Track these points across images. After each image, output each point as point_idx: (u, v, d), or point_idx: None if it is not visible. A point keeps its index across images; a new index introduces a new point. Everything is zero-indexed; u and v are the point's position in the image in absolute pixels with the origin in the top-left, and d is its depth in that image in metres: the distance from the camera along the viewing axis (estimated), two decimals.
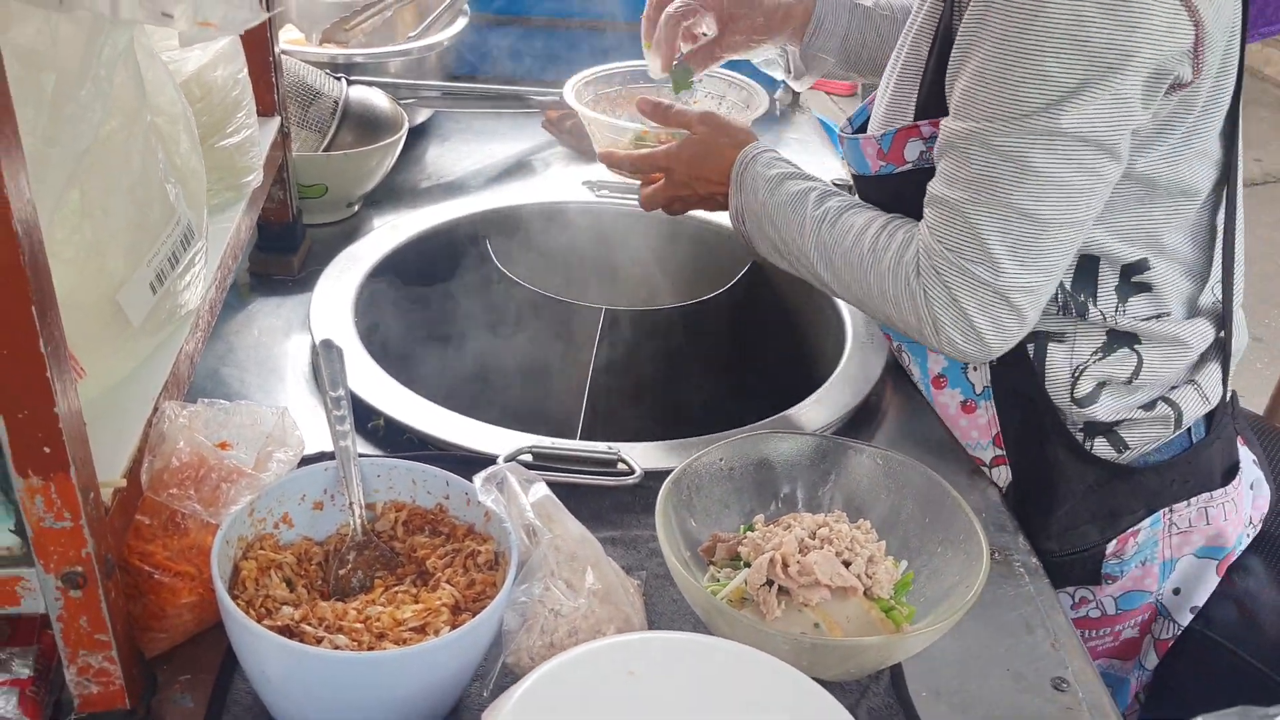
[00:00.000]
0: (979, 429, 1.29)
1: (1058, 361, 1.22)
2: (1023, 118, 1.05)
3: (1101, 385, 1.23)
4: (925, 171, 1.18)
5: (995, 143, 1.07)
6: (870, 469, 1.13)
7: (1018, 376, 1.24)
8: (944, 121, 1.12)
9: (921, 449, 1.32)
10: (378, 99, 1.77)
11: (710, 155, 1.31)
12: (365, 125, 1.74)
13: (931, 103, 1.17)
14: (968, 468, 1.30)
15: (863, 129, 1.34)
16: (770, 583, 1.02)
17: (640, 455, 1.21)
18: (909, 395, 1.40)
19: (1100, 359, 1.22)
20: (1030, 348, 1.22)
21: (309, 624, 0.89)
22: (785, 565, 1.02)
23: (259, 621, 0.88)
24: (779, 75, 1.63)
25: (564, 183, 1.85)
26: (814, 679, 0.87)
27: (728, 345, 1.69)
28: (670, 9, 1.46)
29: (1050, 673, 1.06)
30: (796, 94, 2.29)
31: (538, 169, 1.95)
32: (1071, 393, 1.23)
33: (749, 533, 1.08)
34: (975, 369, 1.28)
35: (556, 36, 2.21)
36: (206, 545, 0.93)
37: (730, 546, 1.08)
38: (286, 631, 0.88)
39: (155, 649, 0.96)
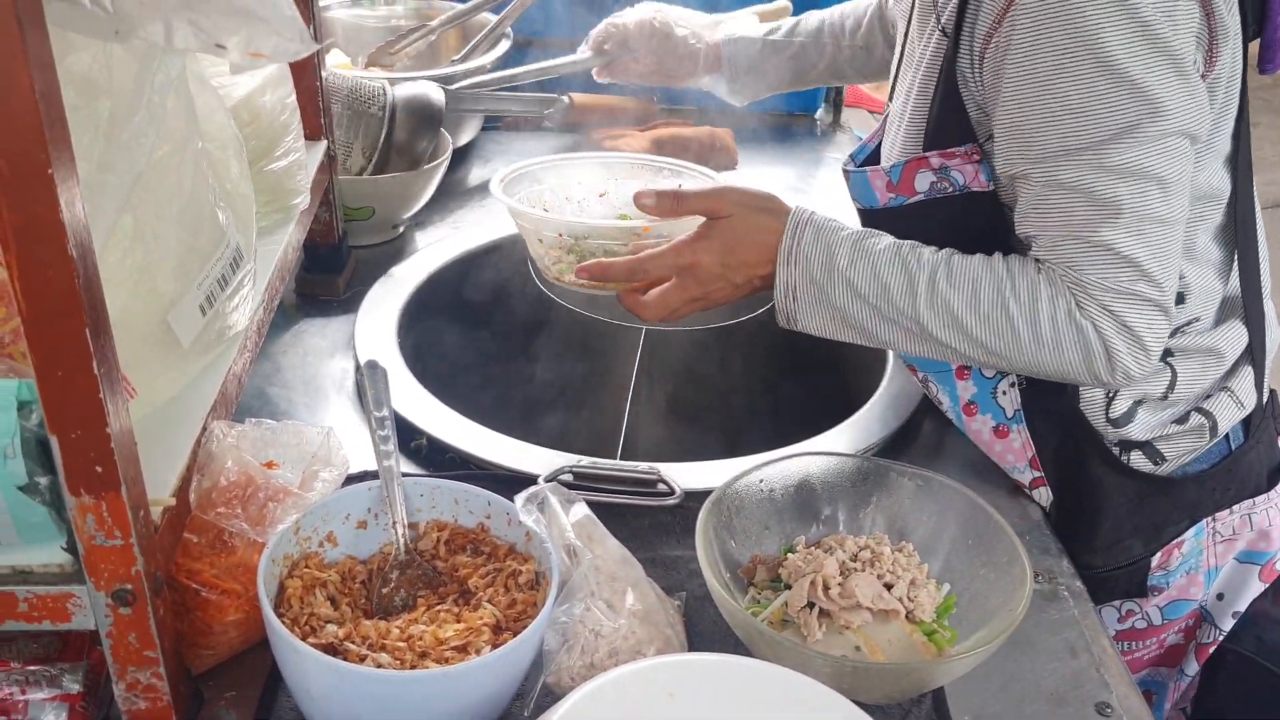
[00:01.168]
0: (1014, 453, 1.28)
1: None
2: (1131, 129, 1.02)
3: (1138, 404, 1.22)
4: (936, 202, 1.18)
5: (1113, 163, 1.04)
6: (912, 491, 1.12)
7: (1050, 398, 1.22)
8: (1026, 164, 1.08)
9: (963, 471, 1.31)
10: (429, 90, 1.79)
11: (750, 234, 1.17)
12: (417, 117, 1.75)
13: (939, 135, 1.17)
14: (1008, 488, 1.29)
15: (868, 163, 1.31)
16: (811, 605, 1.02)
17: (680, 475, 1.21)
18: (947, 419, 1.39)
19: None
20: None
21: (352, 642, 0.90)
22: (827, 587, 1.02)
23: (303, 639, 0.89)
24: (720, 94, 1.79)
25: None
26: (855, 702, 0.86)
27: (767, 366, 1.69)
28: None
29: (1094, 697, 1.05)
30: (838, 113, 2.30)
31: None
32: (1107, 413, 1.22)
33: (790, 555, 1.08)
34: (1004, 393, 1.26)
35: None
36: (253, 563, 0.94)
37: (771, 568, 1.08)
38: (330, 649, 0.89)
39: (201, 666, 0.97)
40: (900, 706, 1.02)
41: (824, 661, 0.94)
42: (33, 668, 0.92)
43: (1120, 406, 1.21)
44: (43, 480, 0.79)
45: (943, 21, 1.15)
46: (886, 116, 1.30)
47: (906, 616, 1.03)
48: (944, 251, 1.13)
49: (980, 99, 1.13)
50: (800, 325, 1.18)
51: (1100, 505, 1.24)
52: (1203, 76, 1.07)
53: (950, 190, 1.17)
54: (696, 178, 1.40)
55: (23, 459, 0.78)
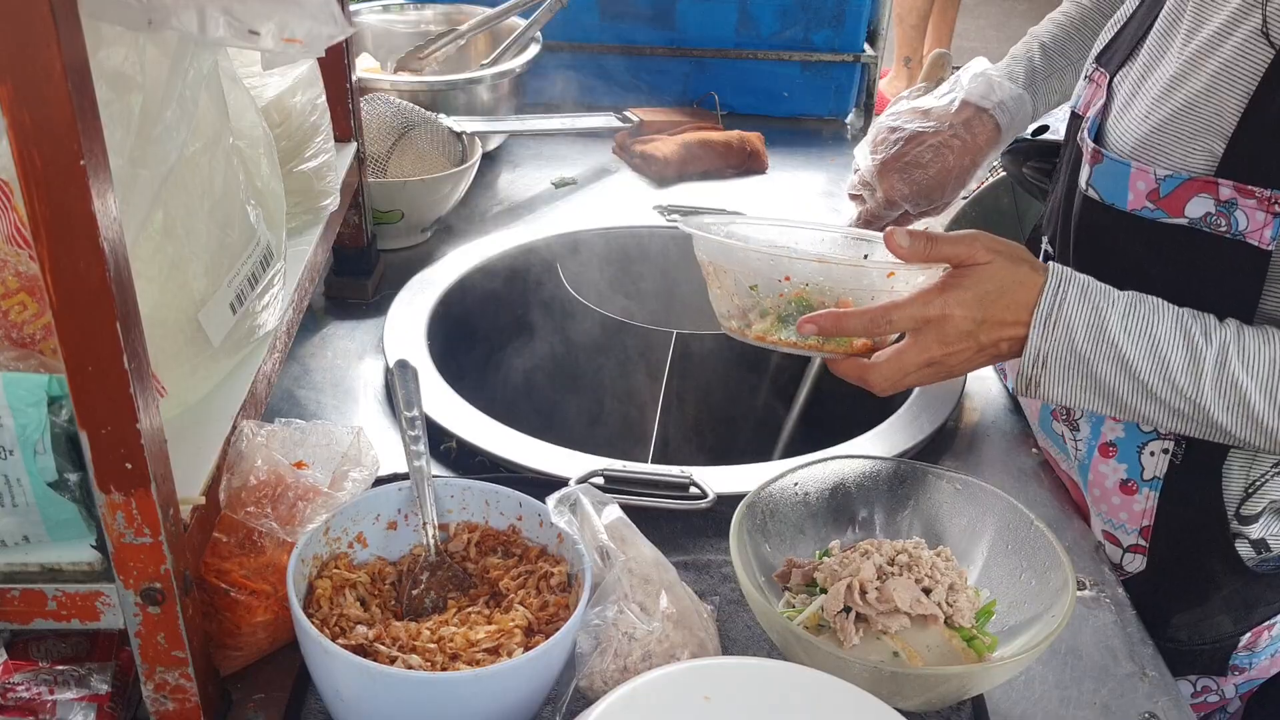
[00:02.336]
0: (1130, 513, 1.18)
1: (1234, 472, 1.12)
2: None
3: (1272, 504, 1.13)
4: (1200, 236, 1.01)
5: None
6: (949, 494, 1.10)
7: (1198, 481, 1.13)
8: None
9: (1000, 474, 1.29)
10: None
11: (1008, 287, 1.00)
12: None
13: (1244, 162, 0.98)
14: (1052, 497, 1.27)
15: (1100, 139, 1.11)
16: (848, 609, 1.00)
17: (713, 479, 1.19)
18: (986, 420, 1.38)
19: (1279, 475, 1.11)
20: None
21: (383, 643, 0.88)
22: (864, 592, 1.00)
23: (333, 640, 0.88)
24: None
25: (635, 207, 1.85)
26: (894, 709, 0.84)
27: (800, 368, 1.67)
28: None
29: (1139, 707, 1.03)
30: (869, 117, 2.29)
31: (609, 194, 1.95)
32: (1238, 509, 1.13)
33: (826, 559, 1.06)
34: (1153, 453, 1.14)
35: (629, 62, 2.22)
36: (282, 564, 0.93)
37: (806, 572, 1.06)
38: (360, 651, 0.88)
39: (230, 667, 0.96)
40: (939, 714, 1.00)
41: (862, 667, 0.92)
42: (61, 667, 0.91)
43: (1254, 506, 1.13)
44: (72, 477, 0.79)
45: (1270, 31, 0.96)
46: (1112, 82, 1.13)
47: (945, 622, 1.01)
48: (1233, 325, 0.99)
49: None
50: (1041, 395, 1.04)
51: (1201, 590, 1.17)
52: None
53: (1224, 230, 1.00)
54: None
55: (52, 455, 0.77)
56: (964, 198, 2.79)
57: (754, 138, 2.05)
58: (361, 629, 0.90)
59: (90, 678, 0.91)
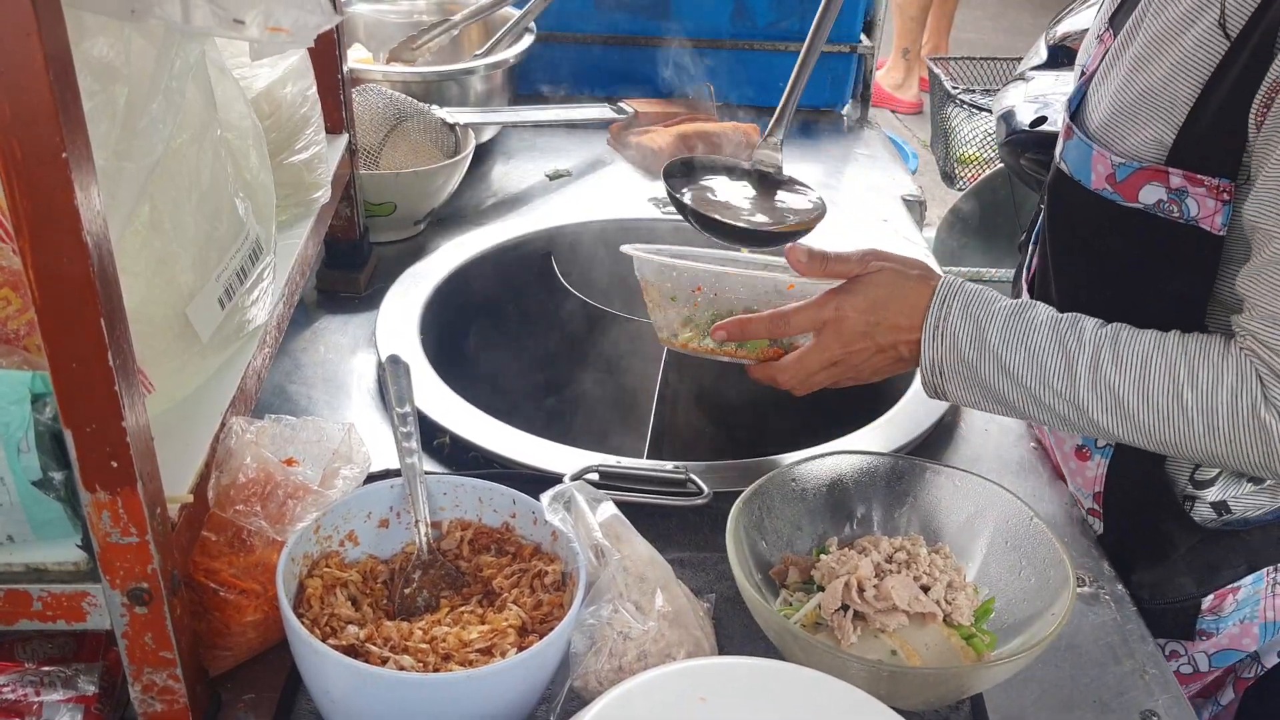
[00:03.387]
0: (1084, 479, 1.22)
1: None
2: None
3: (1223, 471, 1.14)
4: (1153, 221, 1.04)
5: None
6: (949, 490, 1.09)
7: (1145, 452, 1.11)
8: (1275, 229, 0.95)
9: (998, 467, 1.28)
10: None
11: (898, 294, 1.07)
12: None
13: (1193, 151, 1.01)
14: (1049, 494, 1.26)
15: (1078, 115, 1.14)
16: (845, 608, 0.99)
17: (709, 475, 1.18)
18: (986, 417, 1.36)
19: None
20: None
21: (374, 644, 0.87)
22: (861, 590, 0.99)
23: (324, 640, 0.87)
24: None
25: (630, 199, 1.84)
26: (892, 707, 0.83)
27: None
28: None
29: (1139, 705, 1.02)
30: (865, 108, 2.27)
31: (603, 185, 1.94)
32: (1192, 475, 1.15)
33: (823, 556, 1.05)
34: None
35: (622, 53, 2.21)
36: (272, 562, 0.92)
37: (803, 570, 1.05)
38: (351, 651, 0.87)
39: (219, 667, 0.95)
40: (937, 713, 0.99)
41: (860, 666, 0.91)
42: (47, 668, 0.90)
43: (1208, 472, 1.14)
44: (57, 475, 0.77)
45: (1227, 24, 0.98)
46: (1105, 55, 1.14)
47: (944, 620, 1.00)
48: (1110, 327, 1.02)
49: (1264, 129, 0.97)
50: (949, 398, 1.10)
51: (1159, 549, 1.18)
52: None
53: (1176, 216, 1.03)
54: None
55: (36, 453, 0.76)
56: (960, 189, 2.79)
57: (750, 129, 2.03)
58: (353, 629, 0.89)
59: (77, 679, 0.89)
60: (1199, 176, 1.01)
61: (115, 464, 0.76)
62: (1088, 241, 1.11)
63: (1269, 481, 1.16)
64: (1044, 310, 1.05)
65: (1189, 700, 1.25)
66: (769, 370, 1.14)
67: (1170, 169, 1.02)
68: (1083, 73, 1.21)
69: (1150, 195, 1.04)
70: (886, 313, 1.08)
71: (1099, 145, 1.08)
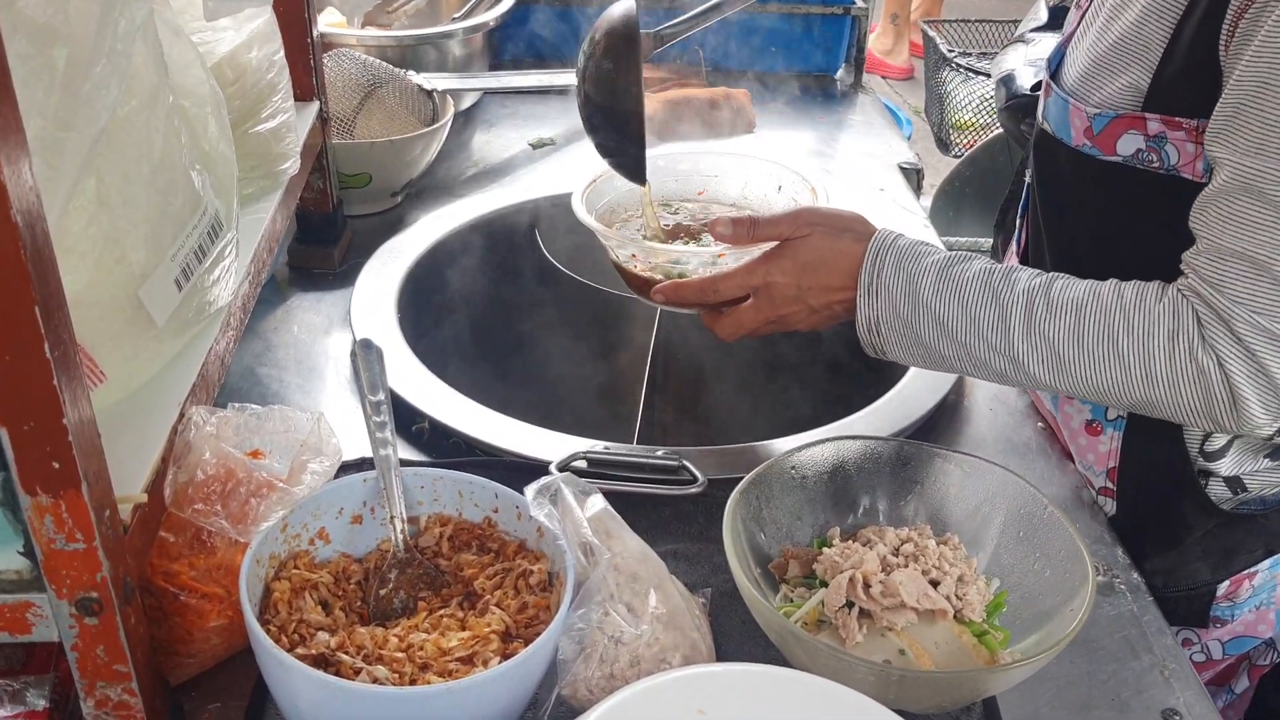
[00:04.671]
0: (1096, 454, 1.17)
1: None
2: None
3: (1235, 439, 1.11)
4: (1134, 173, 1.03)
5: None
6: (957, 477, 1.03)
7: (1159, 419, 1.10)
8: (1231, 154, 0.92)
9: (1007, 454, 1.22)
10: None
11: (829, 256, 1.05)
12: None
13: (1169, 94, 0.99)
14: (1061, 477, 1.20)
15: (1057, 75, 1.14)
16: (850, 604, 0.93)
17: (703, 462, 1.12)
18: (989, 392, 1.30)
19: None
20: None
21: (346, 652, 0.81)
22: (867, 585, 0.93)
23: (292, 649, 0.81)
24: None
25: None
26: (902, 712, 0.78)
27: (795, 339, 1.60)
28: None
29: (1160, 703, 0.96)
30: (859, 74, 2.20)
31: (589, 154, 1.86)
32: (1202, 446, 1.11)
33: (826, 549, 0.99)
34: None
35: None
36: (236, 564, 0.85)
37: (804, 563, 0.99)
38: (322, 661, 0.81)
39: (182, 675, 0.89)
40: (949, 714, 0.93)
41: (867, 669, 0.85)
42: None
43: (1217, 441, 1.10)
44: None
45: None
46: (1083, 17, 1.13)
47: (955, 616, 0.94)
48: (1045, 276, 1.00)
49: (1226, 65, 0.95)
50: (889, 357, 1.07)
51: (1173, 532, 1.14)
52: None
53: (1156, 165, 1.01)
54: (793, 177, 1.27)
55: None
56: (957, 156, 2.72)
57: (740, 94, 1.95)
58: (323, 636, 0.82)
59: (26, 692, 0.83)
60: (1176, 119, 0.99)
61: (57, 464, 0.70)
62: (1075, 202, 1.08)
63: (1267, 445, 1.12)
64: (977, 262, 1.03)
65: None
66: (710, 321, 1.13)
67: (1147, 115, 1.01)
68: (1063, 39, 1.18)
69: (1128, 145, 1.03)
70: (816, 276, 1.06)
71: (1075, 99, 1.07)
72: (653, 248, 1.18)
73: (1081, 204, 1.09)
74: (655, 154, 1.28)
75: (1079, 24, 1.14)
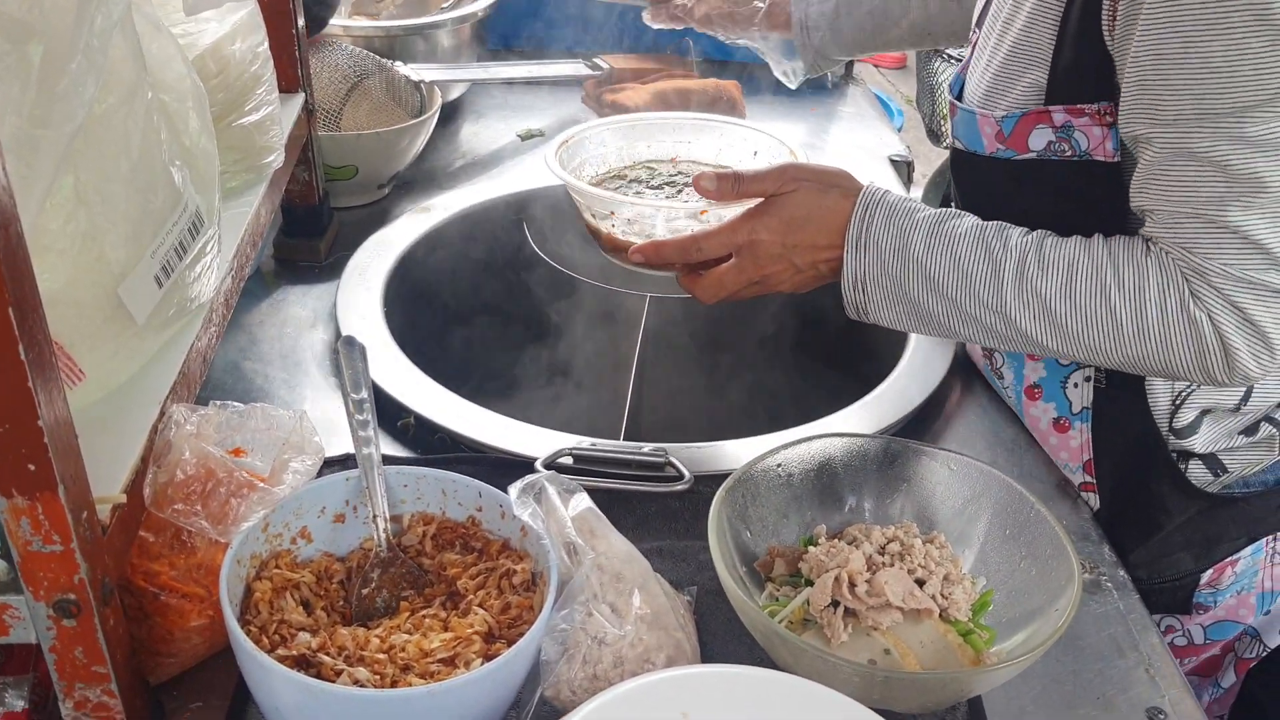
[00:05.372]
0: (1069, 451, 1.17)
1: (1157, 387, 1.10)
2: (1276, 95, 0.88)
3: (1204, 413, 1.11)
4: (1050, 165, 1.04)
5: (1255, 134, 0.89)
6: (944, 475, 1.03)
7: (1124, 401, 1.11)
8: (1152, 128, 0.94)
9: (994, 450, 1.22)
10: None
11: (815, 212, 1.04)
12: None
13: (1067, 85, 1.02)
14: (1049, 475, 1.20)
15: (962, 95, 1.16)
16: (836, 604, 0.93)
17: (690, 458, 1.11)
18: (978, 391, 1.30)
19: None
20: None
21: (327, 653, 0.80)
22: (853, 584, 0.92)
23: (273, 650, 0.80)
24: (776, 69, 1.65)
25: None
26: (885, 712, 0.78)
27: (782, 335, 1.59)
28: None
29: (1145, 702, 0.96)
30: (850, 66, 2.19)
31: None
32: (1170, 422, 1.11)
33: (811, 547, 0.98)
34: (1076, 385, 1.14)
35: (598, 6, 2.11)
36: (216, 564, 0.85)
37: (790, 562, 0.99)
38: (303, 662, 0.80)
39: (163, 674, 0.88)
40: (934, 714, 0.93)
41: (852, 670, 0.84)
42: None
43: (1186, 416, 1.11)
44: None
45: None
46: (975, 45, 1.16)
47: (940, 615, 0.94)
48: (1036, 234, 1.01)
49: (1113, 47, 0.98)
50: (871, 318, 1.06)
51: (1156, 520, 1.15)
52: None
53: (1069, 154, 1.03)
54: (771, 142, 1.27)
55: None
56: (947, 147, 2.70)
57: (731, 86, 1.95)
58: (304, 636, 0.82)
59: (4, 693, 0.82)
60: (1078, 107, 1.01)
61: (32, 467, 0.69)
62: (1000, 209, 1.07)
63: (1260, 434, 1.12)
64: (969, 219, 1.03)
65: (1188, 678, 1.23)
66: (691, 283, 1.11)
67: (1050, 107, 1.03)
68: (961, 66, 1.21)
69: (1039, 140, 1.04)
70: (803, 233, 1.04)
71: (982, 109, 1.09)
72: (632, 202, 1.17)
73: (1007, 208, 1.09)
74: (629, 120, 1.32)
75: (973, 49, 1.16)
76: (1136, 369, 1.01)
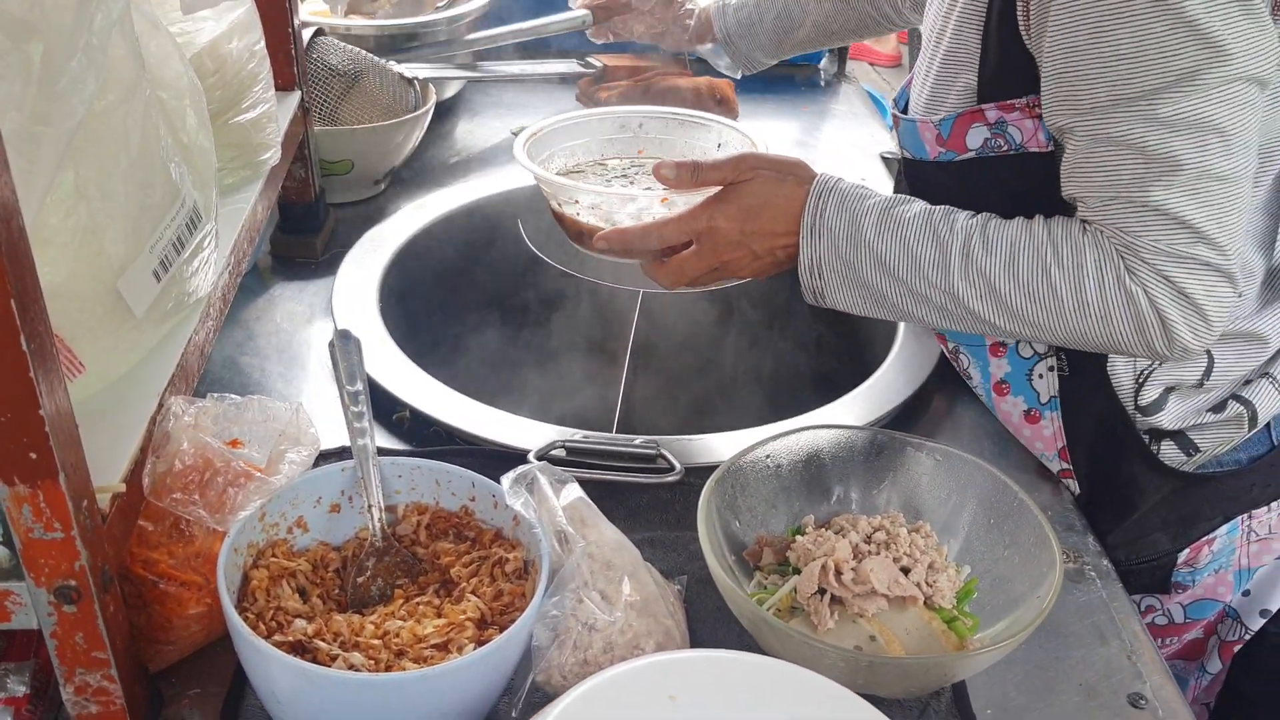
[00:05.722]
0: (1043, 440, 1.19)
1: (1119, 368, 1.13)
2: (1190, 76, 0.91)
3: (1169, 390, 1.13)
4: (989, 161, 1.08)
5: (1166, 114, 0.93)
6: (930, 467, 1.04)
7: (1089, 386, 1.13)
8: (1072, 117, 0.98)
9: (981, 442, 1.24)
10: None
11: (771, 201, 1.07)
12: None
13: (996, 84, 1.06)
14: (1033, 464, 1.21)
15: (909, 108, 1.21)
16: (822, 591, 0.94)
17: (680, 450, 1.13)
18: (964, 385, 1.31)
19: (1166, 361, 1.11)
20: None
21: (323, 639, 0.82)
22: (839, 572, 0.94)
23: (269, 636, 0.82)
24: (721, 67, 1.73)
25: None
26: (870, 697, 0.79)
27: (772, 331, 1.61)
28: None
29: (1126, 688, 0.98)
30: (842, 64, 2.20)
31: None
32: (1136, 400, 1.13)
33: (799, 536, 1.00)
34: (1041, 376, 1.17)
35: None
36: (214, 552, 0.86)
37: (778, 551, 1.01)
38: (299, 648, 0.82)
39: (162, 662, 0.90)
40: (918, 700, 0.95)
41: (838, 655, 0.86)
42: None
43: (1150, 394, 1.13)
44: None
45: None
46: (916, 62, 1.21)
47: (925, 603, 0.95)
48: (980, 216, 1.04)
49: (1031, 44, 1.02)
50: (829, 303, 1.09)
51: (1131, 500, 1.17)
52: (1275, 12, 0.95)
53: (1005, 149, 1.07)
54: (734, 135, 1.30)
55: None
56: None
57: (724, 85, 1.96)
58: (300, 623, 0.84)
59: (6, 679, 0.84)
60: (1008, 102, 1.05)
61: (34, 455, 0.70)
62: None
63: (1228, 412, 1.15)
64: (918, 204, 1.06)
65: (1170, 662, 1.25)
66: (653, 269, 1.14)
67: (983, 106, 1.07)
68: (906, 83, 1.27)
69: (976, 138, 1.08)
70: (760, 220, 1.07)
71: (921, 116, 1.14)
72: (596, 190, 1.20)
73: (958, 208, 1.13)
74: (594, 114, 1.35)
75: (914, 66, 1.21)
76: (1083, 345, 1.04)
